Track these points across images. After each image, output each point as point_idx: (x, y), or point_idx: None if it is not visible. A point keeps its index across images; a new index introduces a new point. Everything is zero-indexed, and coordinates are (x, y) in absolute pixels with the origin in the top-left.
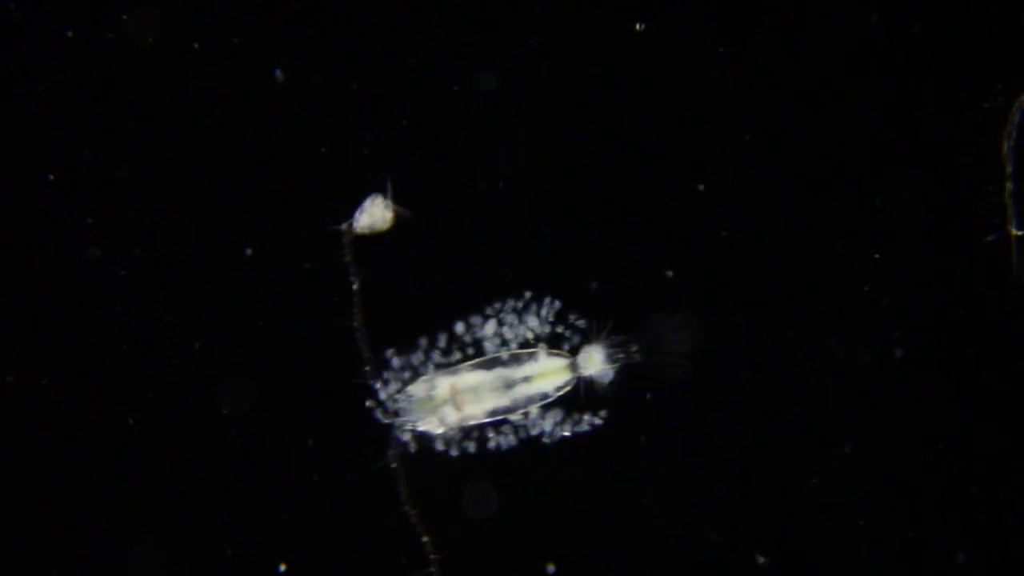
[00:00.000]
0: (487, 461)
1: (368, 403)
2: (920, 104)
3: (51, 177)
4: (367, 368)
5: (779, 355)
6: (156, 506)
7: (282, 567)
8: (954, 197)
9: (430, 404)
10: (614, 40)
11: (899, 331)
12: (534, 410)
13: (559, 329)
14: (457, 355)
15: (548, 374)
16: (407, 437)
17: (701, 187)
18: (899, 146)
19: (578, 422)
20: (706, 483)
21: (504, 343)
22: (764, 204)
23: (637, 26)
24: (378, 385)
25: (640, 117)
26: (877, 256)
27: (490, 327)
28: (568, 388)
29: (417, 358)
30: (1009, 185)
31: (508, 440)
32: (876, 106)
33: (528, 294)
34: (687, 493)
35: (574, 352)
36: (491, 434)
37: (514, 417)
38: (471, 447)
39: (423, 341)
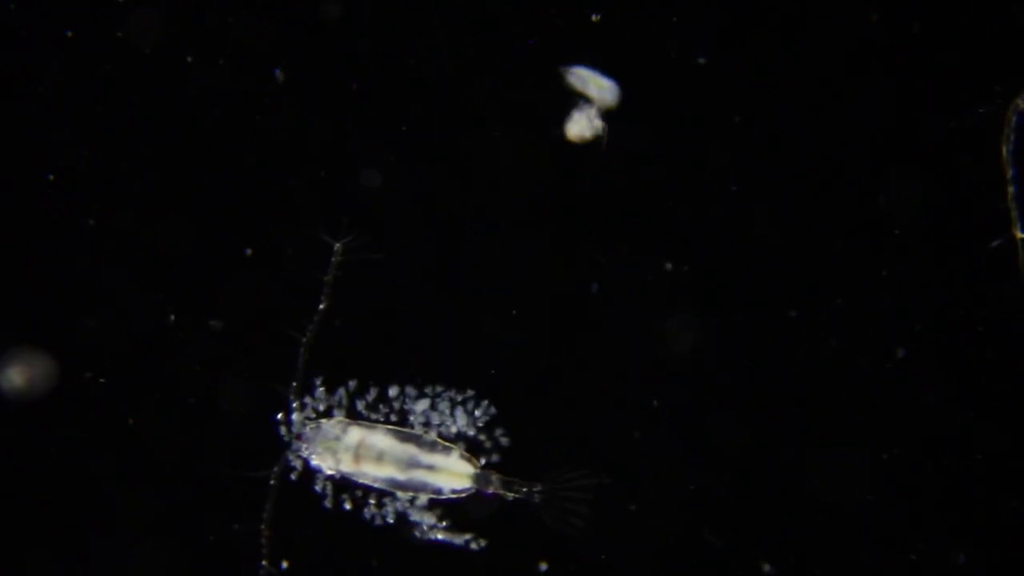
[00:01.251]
0: (355, 523)
1: (279, 416)
2: (920, 104)
3: (51, 177)
4: (294, 384)
5: (779, 355)
6: (156, 506)
7: (284, 564)
8: (954, 197)
9: (334, 444)
10: (614, 40)
11: (899, 331)
12: (422, 498)
13: (482, 437)
14: (381, 414)
15: (451, 473)
16: (297, 463)
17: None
18: (899, 146)
19: (454, 535)
20: (706, 483)
21: (427, 425)
22: (764, 204)
23: (593, 17)
24: (296, 404)
25: (640, 117)
26: (909, 237)
27: (421, 405)
28: (462, 496)
29: (342, 399)
30: (1011, 189)
31: (383, 514)
32: (876, 106)
33: (471, 392)
34: (687, 493)
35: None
36: (372, 500)
37: (401, 495)
38: (347, 504)
39: (353, 386)
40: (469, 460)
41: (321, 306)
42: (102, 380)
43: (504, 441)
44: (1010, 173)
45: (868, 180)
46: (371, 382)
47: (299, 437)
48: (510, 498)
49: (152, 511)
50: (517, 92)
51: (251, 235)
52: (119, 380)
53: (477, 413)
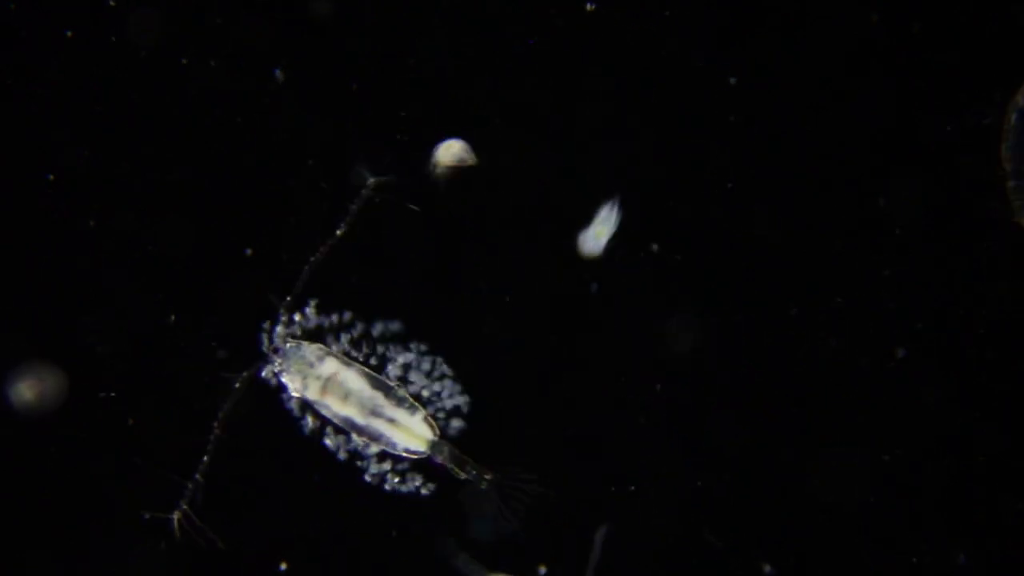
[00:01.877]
0: (315, 451)
1: (264, 324)
2: (920, 104)
3: (51, 177)
4: (288, 299)
5: (779, 355)
6: (156, 506)
7: (283, 566)
8: (954, 197)
9: (306, 369)
10: (614, 40)
11: (899, 331)
12: (374, 448)
13: (446, 406)
14: (362, 354)
15: (410, 433)
16: (266, 374)
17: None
18: (899, 146)
19: (403, 484)
20: (706, 483)
21: (403, 380)
22: (764, 204)
23: (588, 6)
24: (284, 318)
25: (639, 117)
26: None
27: (404, 359)
28: (414, 458)
29: (329, 325)
30: (1010, 183)
31: (338, 447)
32: (876, 106)
33: (446, 367)
34: (687, 493)
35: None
36: (329, 433)
37: (356, 438)
38: (309, 424)
39: (344, 317)
40: (431, 426)
41: (338, 232)
42: (101, 381)
43: (462, 426)
44: (1010, 168)
45: (868, 180)
46: (364, 320)
47: (276, 351)
48: (460, 477)
49: (152, 511)
50: (517, 92)
51: (251, 235)
52: (119, 380)
53: (456, 390)
